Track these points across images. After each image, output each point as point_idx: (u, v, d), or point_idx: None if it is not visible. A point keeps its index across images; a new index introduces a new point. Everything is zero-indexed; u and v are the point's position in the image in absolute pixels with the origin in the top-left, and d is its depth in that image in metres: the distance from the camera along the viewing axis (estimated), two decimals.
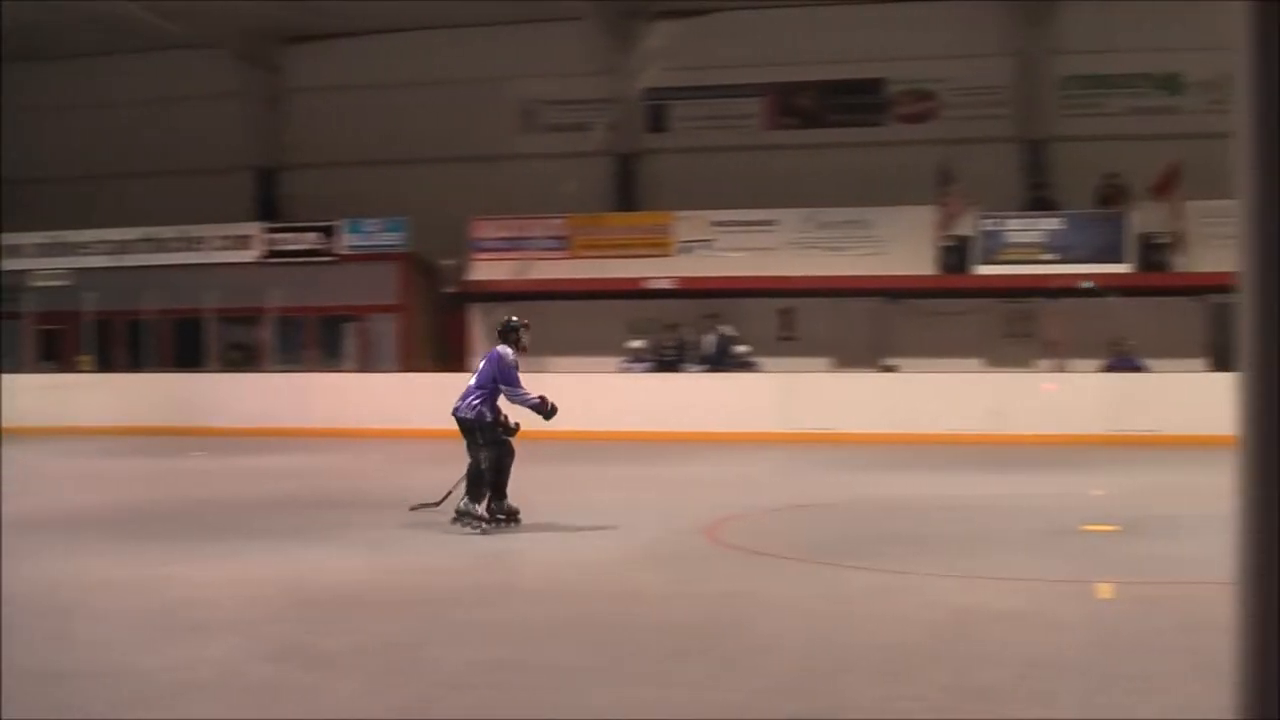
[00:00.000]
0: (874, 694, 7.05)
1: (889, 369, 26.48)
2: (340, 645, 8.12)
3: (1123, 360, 25.29)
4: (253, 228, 30.67)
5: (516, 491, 13.42)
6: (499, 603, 9.91)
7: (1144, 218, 25.80)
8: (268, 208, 32.55)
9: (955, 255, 26.36)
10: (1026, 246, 26.21)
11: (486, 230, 28.80)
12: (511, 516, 13.43)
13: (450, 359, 28.03)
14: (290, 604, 9.63)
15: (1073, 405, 23.63)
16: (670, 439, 23.42)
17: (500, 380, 13.52)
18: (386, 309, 29.90)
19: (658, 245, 27.92)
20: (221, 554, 11.68)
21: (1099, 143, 28.11)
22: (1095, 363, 25.42)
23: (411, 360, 29.11)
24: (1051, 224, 26.43)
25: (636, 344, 27.09)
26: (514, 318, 14.29)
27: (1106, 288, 25.16)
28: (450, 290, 29.09)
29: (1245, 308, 1.45)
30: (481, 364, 13.95)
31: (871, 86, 29.98)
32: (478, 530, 13.10)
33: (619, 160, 31.08)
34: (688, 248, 27.77)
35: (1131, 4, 27.00)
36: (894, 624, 8.75)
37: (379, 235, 29.58)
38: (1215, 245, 22.14)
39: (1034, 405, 23.71)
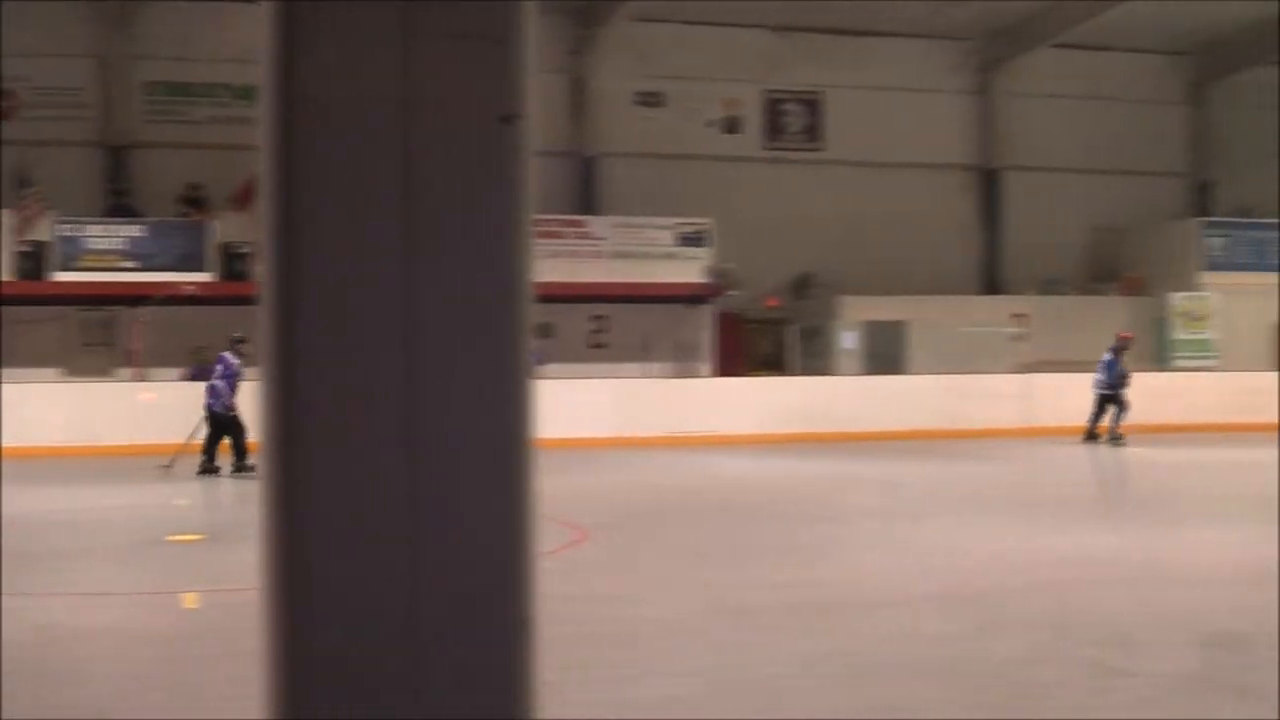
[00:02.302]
0: None
1: None
2: None
3: (204, 369, 25.42)
4: None
5: None
6: None
7: (226, 227, 26.07)
8: None
9: (32, 261, 25.41)
10: (107, 253, 25.75)
11: None
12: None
13: None
14: None
15: (158, 414, 23.46)
16: None
17: (231, 382, 19.22)
18: None
19: None
20: None
21: (182, 150, 28.15)
22: (178, 371, 25.40)
23: None
24: (133, 231, 26.13)
25: None
26: (240, 334, 19.47)
27: (183, 297, 25.10)
28: None
29: (265, 316, 1.48)
30: (221, 369, 19.48)
31: None
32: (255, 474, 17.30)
33: None
34: None
35: (213, 13, 27.18)
36: None
37: None
38: None
39: (120, 415, 23.32)
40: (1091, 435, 24.86)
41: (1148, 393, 26.61)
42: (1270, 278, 32.00)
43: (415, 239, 1.45)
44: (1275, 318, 31.77)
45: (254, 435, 16.89)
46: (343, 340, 1.44)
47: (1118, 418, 24.77)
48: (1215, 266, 32.25)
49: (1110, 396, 24.87)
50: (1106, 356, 25.36)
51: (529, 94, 1.50)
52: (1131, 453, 23.09)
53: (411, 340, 1.45)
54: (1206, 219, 33.86)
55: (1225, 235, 32.84)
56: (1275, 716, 6.34)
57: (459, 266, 1.47)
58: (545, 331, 26.62)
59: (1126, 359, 25.50)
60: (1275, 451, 22.44)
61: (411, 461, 1.46)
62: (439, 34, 1.46)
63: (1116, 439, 24.52)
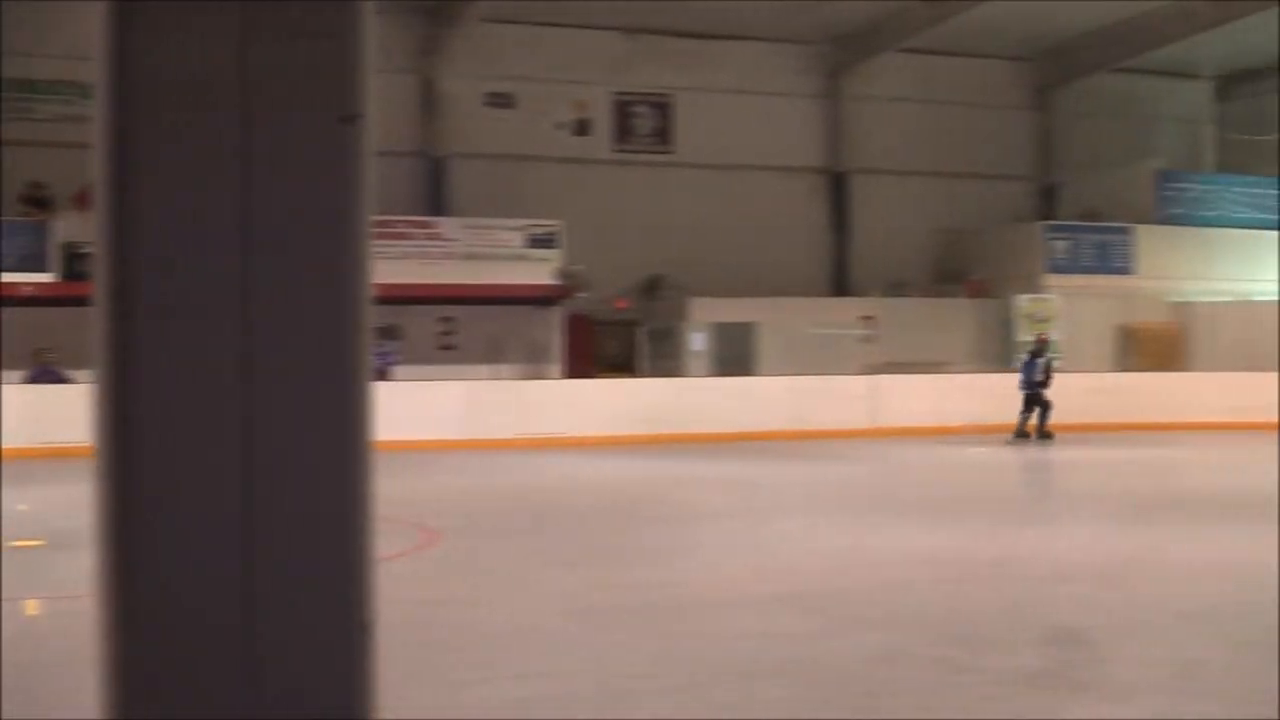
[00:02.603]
0: None
1: None
2: None
3: (45, 371, 24.89)
4: None
5: None
6: None
7: (69, 227, 25.55)
8: None
9: None
10: None
11: None
12: None
13: None
14: None
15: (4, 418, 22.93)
16: None
17: None
18: None
19: None
20: None
21: (27, 148, 27.54)
22: (18, 373, 24.83)
23: None
24: None
25: None
26: None
27: (22, 297, 24.54)
28: None
29: (99, 317, 1.46)
30: None
31: None
32: None
33: None
34: None
35: (62, 10, 26.58)
36: None
37: None
38: None
39: None
40: (1021, 434, 25.65)
41: (994, 394, 27.14)
42: (1113, 280, 32.78)
43: (253, 239, 1.44)
44: (1118, 319, 32.51)
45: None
46: (179, 342, 1.42)
47: (1042, 417, 25.69)
48: (1059, 269, 32.92)
49: (1033, 396, 25.76)
50: (1024, 358, 26.54)
51: (369, 94, 1.49)
52: (978, 453, 23.50)
53: (249, 342, 1.44)
54: (1050, 222, 34.55)
55: (1069, 238, 33.53)
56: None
57: (298, 267, 1.46)
58: (394, 333, 26.46)
59: (1049, 359, 26.56)
60: (1115, 451, 23.00)
61: (248, 464, 1.44)
62: (277, 33, 1.45)
63: (1044, 437, 25.53)
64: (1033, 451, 24.57)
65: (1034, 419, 25.76)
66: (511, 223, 28.97)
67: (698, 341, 30.56)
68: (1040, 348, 26.66)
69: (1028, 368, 26.11)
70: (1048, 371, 26.10)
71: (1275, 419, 25.85)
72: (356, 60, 1.48)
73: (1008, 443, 25.26)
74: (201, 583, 1.44)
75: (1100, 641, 8.25)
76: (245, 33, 1.44)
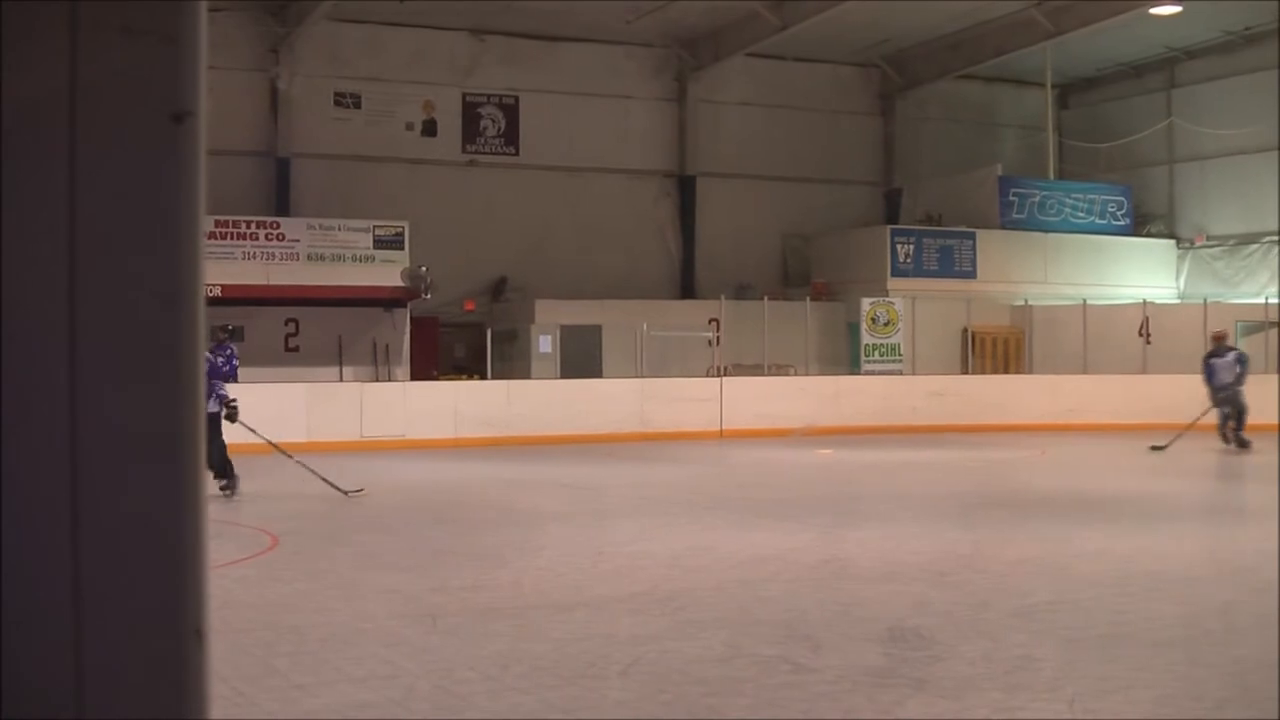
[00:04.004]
0: None
1: None
2: None
3: None
4: None
5: None
6: None
7: None
8: None
9: None
10: None
11: None
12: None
13: None
14: None
15: None
16: None
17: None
18: None
19: None
20: None
21: None
22: None
23: None
24: None
25: None
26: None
27: None
28: None
29: None
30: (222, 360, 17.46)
31: None
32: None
33: None
34: None
35: None
36: None
37: None
38: None
39: None
40: (1242, 442, 23.34)
41: (838, 396, 27.43)
42: (955, 283, 33.32)
43: (81, 239, 1.41)
44: (961, 323, 32.99)
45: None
46: (3, 347, 1.39)
47: (1239, 421, 23.54)
48: (903, 273, 33.38)
49: (1226, 399, 23.55)
50: (1207, 359, 24.12)
51: (202, 92, 1.47)
52: (822, 455, 23.73)
53: (77, 345, 1.41)
54: (895, 226, 35.02)
55: (913, 242, 34.01)
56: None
57: (127, 267, 1.43)
58: (238, 334, 26.09)
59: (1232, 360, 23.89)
60: (953, 452, 23.37)
61: (77, 469, 1.42)
62: (108, 29, 1.42)
63: (1241, 444, 23.40)
64: (1231, 457, 22.88)
65: (1233, 422, 23.41)
66: (358, 224, 28.73)
67: (544, 344, 30.53)
68: (1219, 346, 23.95)
69: (1210, 370, 23.67)
70: (1240, 369, 23.48)
71: (1107, 421, 26.47)
72: (189, 58, 1.46)
73: (1224, 448, 23.24)
74: (29, 591, 1.41)
75: (935, 639, 8.38)
76: (75, 28, 1.42)
